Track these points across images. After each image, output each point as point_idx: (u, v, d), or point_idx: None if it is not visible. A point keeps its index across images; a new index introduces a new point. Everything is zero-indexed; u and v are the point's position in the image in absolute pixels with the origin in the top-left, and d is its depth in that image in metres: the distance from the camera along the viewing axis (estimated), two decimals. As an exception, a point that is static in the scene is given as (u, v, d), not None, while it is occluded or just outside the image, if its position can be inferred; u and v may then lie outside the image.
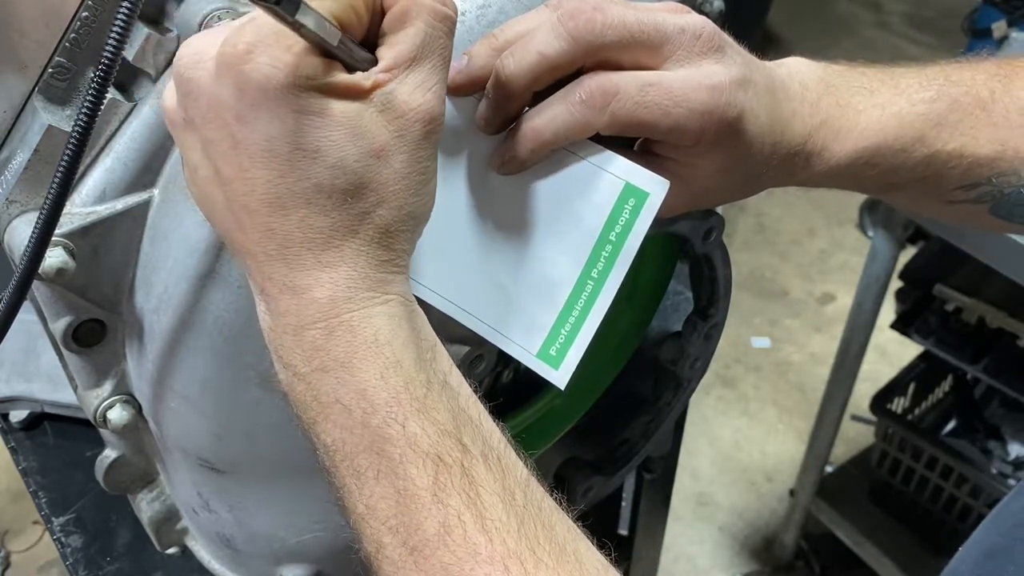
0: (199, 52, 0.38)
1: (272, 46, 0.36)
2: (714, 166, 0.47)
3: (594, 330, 0.46)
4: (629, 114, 0.43)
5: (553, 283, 0.46)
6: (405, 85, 0.38)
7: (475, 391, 0.42)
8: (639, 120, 0.44)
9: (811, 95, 0.50)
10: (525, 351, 0.47)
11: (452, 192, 0.46)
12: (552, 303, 0.46)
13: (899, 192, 0.54)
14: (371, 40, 0.40)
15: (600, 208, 0.46)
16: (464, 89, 0.45)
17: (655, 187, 0.45)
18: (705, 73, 0.44)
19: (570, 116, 0.44)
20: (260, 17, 0.37)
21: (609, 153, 0.46)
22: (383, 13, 0.39)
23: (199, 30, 0.44)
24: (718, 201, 0.53)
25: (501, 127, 0.46)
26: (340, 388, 0.38)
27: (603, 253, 0.46)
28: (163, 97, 0.41)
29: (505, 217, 0.47)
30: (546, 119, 0.44)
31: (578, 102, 0.43)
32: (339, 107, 0.37)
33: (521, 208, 0.47)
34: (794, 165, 0.50)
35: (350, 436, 0.38)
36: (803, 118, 0.49)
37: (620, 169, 0.45)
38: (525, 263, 0.47)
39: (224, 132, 0.38)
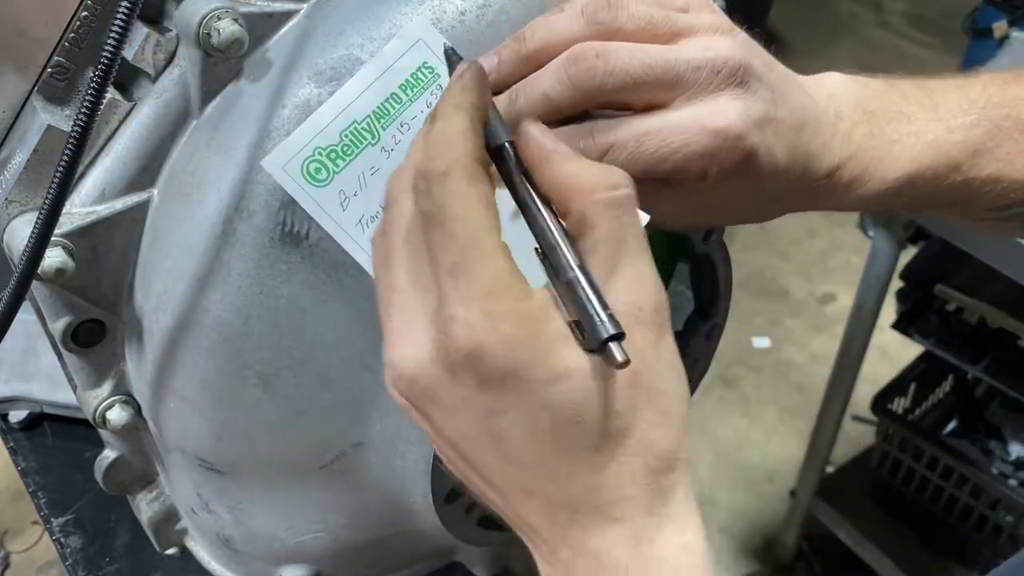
0: (409, 361, 0.35)
1: (498, 329, 0.33)
2: (724, 195, 0.45)
3: None
4: (624, 163, 0.41)
5: None
6: (619, 290, 0.34)
7: None
8: (635, 168, 0.41)
9: (844, 125, 0.47)
10: None
11: None
12: None
13: (929, 212, 0.53)
14: None
15: None
16: (493, 89, 0.44)
17: None
18: (714, 112, 0.42)
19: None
20: (459, 296, 0.33)
21: None
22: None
23: (199, 30, 0.44)
24: (733, 222, 0.52)
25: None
26: None
27: None
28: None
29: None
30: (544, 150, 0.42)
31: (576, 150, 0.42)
32: (577, 358, 0.34)
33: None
34: (817, 195, 0.48)
35: None
36: (832, 151, 0.47)
37: None
38: None
39: (481, 429, 0.35)
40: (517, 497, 0.36)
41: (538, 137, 0.39)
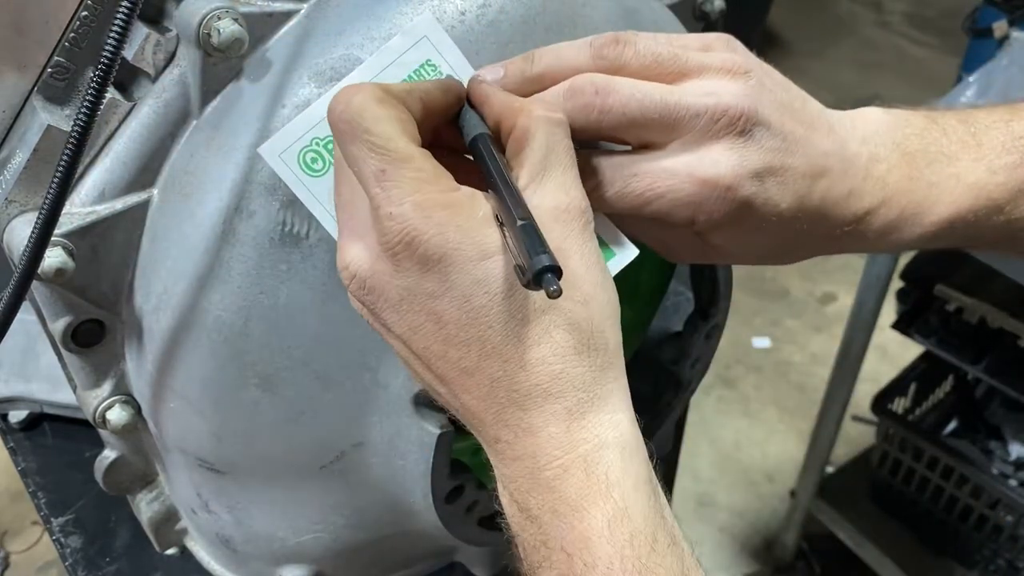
0: (358, 261, 0.39)
1: (430, 216, 0.36)
2: (724, 240, 0.45)
3: None
4: (611, 202, 0.43)
5: None
6: (547, 192, 0.38)
7: None
8: (621, 207, 0.43)
9: (880, 169, 0.46)
10: None
11: None
12: None
13: (968, 249, 0.52)
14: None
15: None
16: None
17: (623, 251, 0.44)
18: (705, 162, 0.42)
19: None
20: (388, 196, 0.36)
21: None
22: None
23: (199, 30, 0.44)
24: (746, 263, 0.50)
25: None
26: (568, 534, 0.37)
27: None
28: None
29: None
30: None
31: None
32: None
33: None
34: (845, 240, 0.47)
35: None
36: (862, 196, 0.45)
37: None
38: None
39: (423, 315, 0.38)
40: (459, 381, 0.38)
41: (489, 80, 0.43)
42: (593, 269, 0.39)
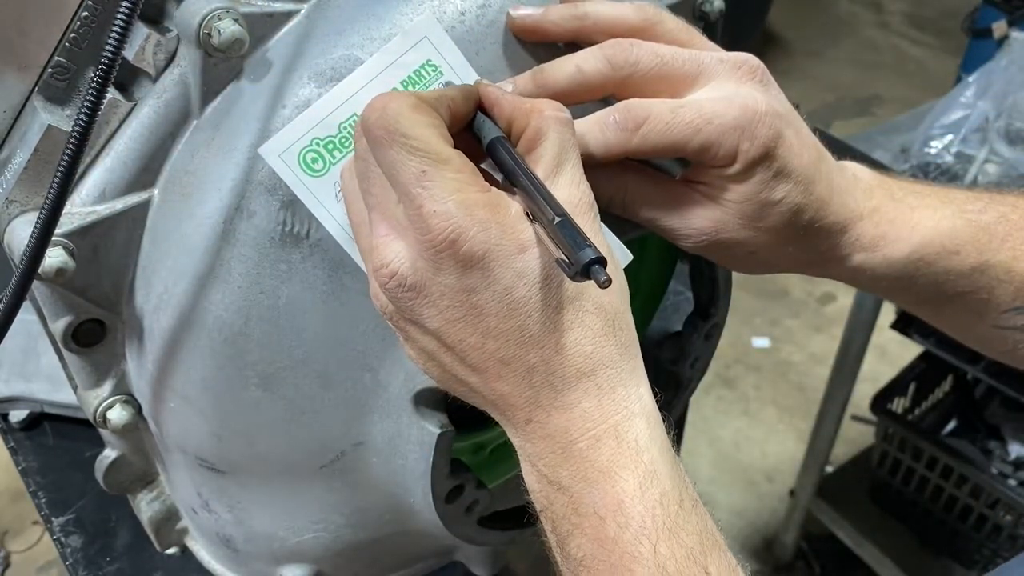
0: (399, 259, 0.39)
1: (473, 214, 0.38)
2: (745, 197, 0.46)
3: None
4: (660, 135, 0.44)
5: None
6: (561, 188, 0.40)
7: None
8: (671, 141, 0.44)
9: (864, 183, 0.50)
10: None
11: None
12: None
13: (948, 305, 0.53)
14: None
15: None
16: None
17: (620, 255, 0.45)
18: (741, 94, 0.45)
19: (602, 136, 0.45)
20: (431, 195, 0.38)
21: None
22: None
23: (199, 30, 0.44)
24: (740, 261, 0.51)
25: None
26: (601, 498, 0.39)
27: None
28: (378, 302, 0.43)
29: None
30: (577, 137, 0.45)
31: (611, 123, 0.45)
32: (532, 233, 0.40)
33: None
34: (839, 250, 0.50)
35: (600, 551, 0.39)
36: (854, 198, 0.49)
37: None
38: None
39: (463, 309, 0.39)
40: (495, 369, 0.40)
41: (498, 85, 0.45)
42: (609, 256, 0.41)
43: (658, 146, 0.45)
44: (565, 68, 0.46)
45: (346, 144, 0.44)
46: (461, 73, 0.46)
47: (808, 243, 0.49)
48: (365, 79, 0.45)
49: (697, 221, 0.48)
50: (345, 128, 0.44)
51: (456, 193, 0.38)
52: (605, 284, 0.35)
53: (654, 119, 0.44)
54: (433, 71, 0.45)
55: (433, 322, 0.40)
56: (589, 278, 0.35)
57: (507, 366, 0.40)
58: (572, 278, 0.36)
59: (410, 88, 0.45)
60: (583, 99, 0.46)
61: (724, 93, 0.45)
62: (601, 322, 0.40)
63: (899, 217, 0.50)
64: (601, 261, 0.35)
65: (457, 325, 0.40)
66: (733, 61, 0.46)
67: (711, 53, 0.46)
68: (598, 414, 0.40)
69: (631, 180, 0.48)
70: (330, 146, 0.44)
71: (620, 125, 0.44)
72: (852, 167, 0.51)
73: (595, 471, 0.39)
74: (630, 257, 0.46)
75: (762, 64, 0.47)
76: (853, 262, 0.50)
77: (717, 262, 0.54)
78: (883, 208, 0.50)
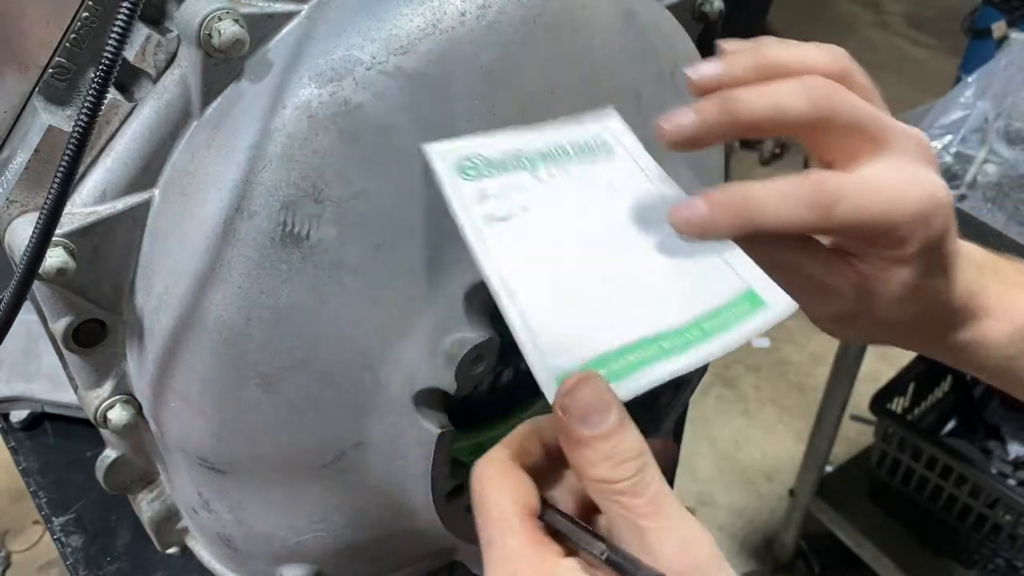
0: None
1: None
2: (899, 284, 0.44)
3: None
4: (848, 216, 0.41)
5: (624, 329, 0.43)
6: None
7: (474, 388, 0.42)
8: (856, 223, 0.41)
9: (975, 261, 0.48)
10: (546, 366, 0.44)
11: (588, 216, 0.46)
12: (605, 342, 0.43)
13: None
14: None
15: (716, 295, 0.43)
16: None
17: (779, 304, 0.42)
18: (924, 178, 0.42)
19: (785, 208, 0.41)
20: (488, 566, 0.37)
21: (740, 252, 0.43)
22: None
23: (200, 31, 0.44)
24: (868, 331, 0.49)
25: (690, 144, 0.43)
26: None
27: (693, 333, 0.42)
28: None
29: (624, 257, 0.45)
30: (759, 202, 0.41)
31: (804, 201, 0.41)
32: None
33: (644, 258, 0.45)
34: (953, 325, 0.48)
35: None
36: (965, 276, 0.47)
37: (748, 273, 0.42)
38: (616, 301, 0.44)
39: None
40: None
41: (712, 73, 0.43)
42: None
43: (841, 227, 0.42)
44: (760, 102, 0.41)
45: (502, 167, 0.46)
46: (648, 169, 0.47)
47: (922, 320, 0.47)
48: (543, 130, 0.47)
49: (836, 300, 0.45)
50: (507, 156, 0.46)
51: (504, 562, 0.37)
52: None
53: (847, 201, 0.40)
54: (605, 149, 0.48)
55: None
56: None
57: None
58: None
59: (576, 150, 0.47)
60: (766, 135, 0.43)
61: (908, 173, 0.42)
62: None
63: (1001, 292, 0.48)
64: None
65: None
66: (914, 135, 0.43)
67: (892, 119, 0.43)
68: None
69: (785, 254, 0.44)
70: (487, 164, 0.46)
71: (811, 202, 0.40)
72: (965, 244, 0.48)
73: None
74: (793, 306, 0.42)
75: (934, 152, 0.44)
76: (954, 340, 0.49)
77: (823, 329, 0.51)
78: (990, 287, 0.48)
